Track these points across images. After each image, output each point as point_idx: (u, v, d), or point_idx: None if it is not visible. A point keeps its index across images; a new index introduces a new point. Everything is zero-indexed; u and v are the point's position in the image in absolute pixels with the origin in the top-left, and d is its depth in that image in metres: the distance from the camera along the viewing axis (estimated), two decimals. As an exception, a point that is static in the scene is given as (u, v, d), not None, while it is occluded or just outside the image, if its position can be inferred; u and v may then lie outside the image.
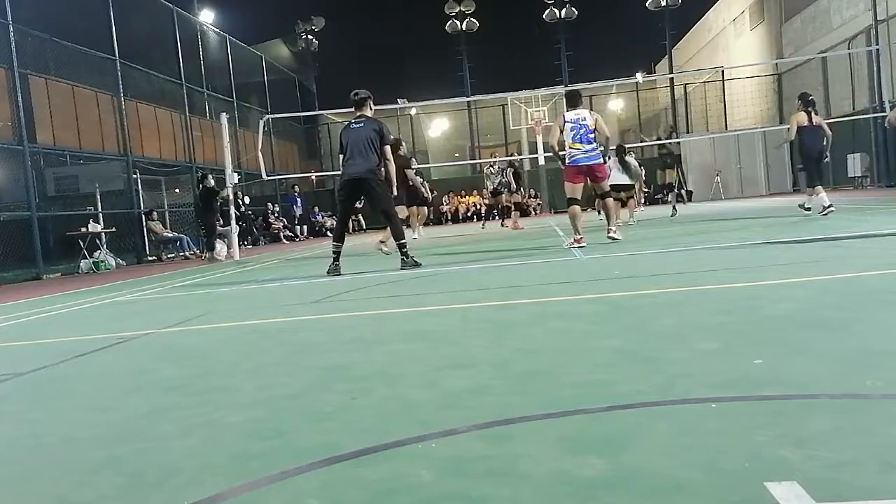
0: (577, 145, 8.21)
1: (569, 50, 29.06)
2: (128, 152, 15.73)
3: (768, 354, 2.36)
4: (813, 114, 9.64)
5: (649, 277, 4.82)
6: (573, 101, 8.46)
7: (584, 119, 8.22)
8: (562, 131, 8.30)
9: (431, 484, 1.53)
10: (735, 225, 9.60)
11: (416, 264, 7.10)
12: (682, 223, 11.08)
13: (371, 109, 7.42)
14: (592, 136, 8.20)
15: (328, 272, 7.07)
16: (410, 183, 12.28)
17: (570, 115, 8.29)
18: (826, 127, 9.80)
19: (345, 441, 1.86)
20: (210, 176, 13.93)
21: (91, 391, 2.87)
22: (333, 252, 7.26)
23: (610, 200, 8.81)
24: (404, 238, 7.33)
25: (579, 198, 8.43)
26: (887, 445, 1.51)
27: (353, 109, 7.42)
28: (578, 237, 7.96)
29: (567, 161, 8.32)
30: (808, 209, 9.67)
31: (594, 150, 8.21)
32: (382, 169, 7.24)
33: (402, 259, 7.18)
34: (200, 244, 14.01)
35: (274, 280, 7.51)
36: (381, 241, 8.96)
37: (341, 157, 7.33)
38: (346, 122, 7.56)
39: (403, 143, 12.06)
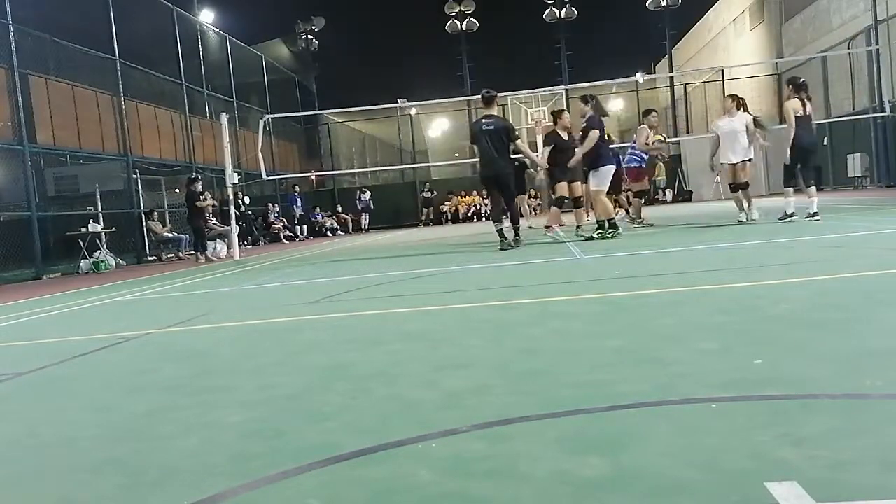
0: None
1: (569, 50, 29.08)
2: (128, 152, 15.73)
3: (768, 354, 2.36)
4: (807, 101, 8.48)
5: (649, 277, 4.82)
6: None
7: None
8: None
9: (431, 484, 1.53)
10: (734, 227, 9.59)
11: (513, 245, 8.35)
12: (680, 225, 11.07)
13: (496, 107, 8.71)
14: None
15: (500, 249, 8.23)
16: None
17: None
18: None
19: (345, 441, 1.86)
20: (199, 181, 13.94)
21: (91, 391, 2.87)
22: (497, 230, 8.55)
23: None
24: (519, 223, 8.80)
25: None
26: (887, 445, 1.51)
27: (482, 107, 8.63)
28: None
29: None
30: (793, 214, 8.51)
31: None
32: (513, 161, 8.68)
33: (515, 238, 8.53)
34: (198, 246, 14.02)
35: (274, 280, 7.51)
36: (568, 227, 10.87)
37: (475, 147, 8.65)
38: (477, 119, 8.82)
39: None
